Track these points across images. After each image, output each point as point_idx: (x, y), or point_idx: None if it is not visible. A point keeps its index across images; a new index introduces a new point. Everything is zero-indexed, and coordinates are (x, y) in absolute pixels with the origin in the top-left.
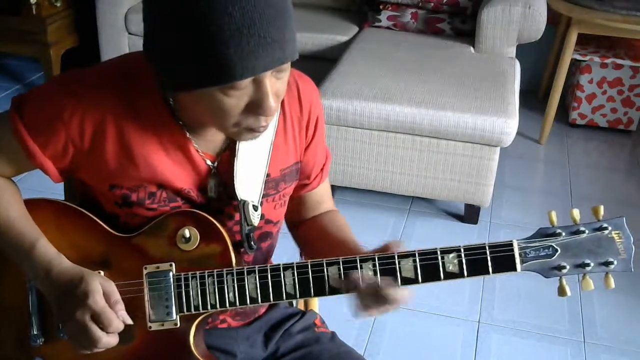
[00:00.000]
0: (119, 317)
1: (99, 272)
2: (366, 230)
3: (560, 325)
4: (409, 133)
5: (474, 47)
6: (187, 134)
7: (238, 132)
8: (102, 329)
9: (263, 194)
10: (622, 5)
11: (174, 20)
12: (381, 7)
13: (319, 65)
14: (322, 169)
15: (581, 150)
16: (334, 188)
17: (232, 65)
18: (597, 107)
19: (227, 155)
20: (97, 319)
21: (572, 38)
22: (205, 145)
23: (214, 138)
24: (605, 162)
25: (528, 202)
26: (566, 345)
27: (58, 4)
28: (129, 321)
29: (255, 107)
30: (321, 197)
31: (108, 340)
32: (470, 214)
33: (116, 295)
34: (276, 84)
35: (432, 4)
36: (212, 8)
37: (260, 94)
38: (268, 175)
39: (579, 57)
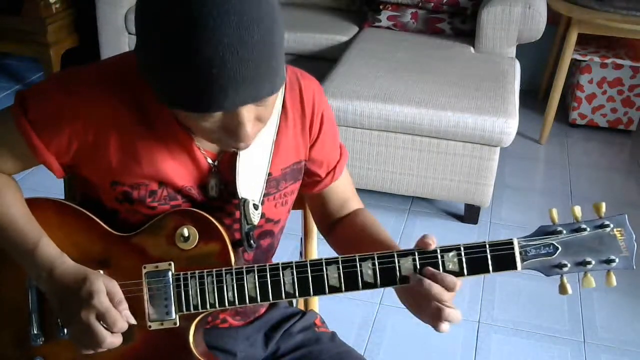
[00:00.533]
0: (123, 317)
1: (100, 272)
2: None
3: (560, 325)
4: (409, 133)
5: (474, 47)
6: (190, 132)
7: (221, 145)
8: (106, 329)
9: (264, 193)
10: (622, 5)
11: (154, 40)
12: (381, 7)
13: (319, 65)
14: (335, 167)
15: (581, 150)
16: None
17: (201, 99)
18: (597, 107)
19: (228, 154)
20: (102, 319)
21: (572, 38)
22: (207, 143)
23: None
24: (605, 162)
25: (528, 202)
26: (566, 345)
27: (57, 5)
28: (133, 321)
29: (231, 132)
30: (345, 194)
31: (112, 340)
32: (470, 214)
33: (120, 295)
34: (257, 109)
35: (432, 4)
36: (186, 42)
37: (235, 123)
38: (270, 174)
39: (579, 57)
